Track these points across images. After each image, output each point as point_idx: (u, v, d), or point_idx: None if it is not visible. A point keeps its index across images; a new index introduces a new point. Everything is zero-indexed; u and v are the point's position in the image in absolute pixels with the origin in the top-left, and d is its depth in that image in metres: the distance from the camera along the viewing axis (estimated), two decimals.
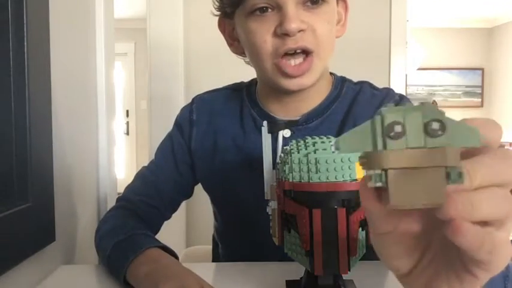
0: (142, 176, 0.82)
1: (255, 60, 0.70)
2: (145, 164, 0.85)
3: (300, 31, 0.64)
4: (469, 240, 0.25)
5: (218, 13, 0.75)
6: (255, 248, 0.74)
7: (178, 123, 0.83)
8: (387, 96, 0.75)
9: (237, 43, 0.75)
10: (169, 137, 0.83)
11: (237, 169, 0.76)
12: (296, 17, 0.63)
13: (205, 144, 0.79)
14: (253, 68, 0.76)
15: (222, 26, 0.76)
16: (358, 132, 0.27)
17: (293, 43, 0.64)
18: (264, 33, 0.65)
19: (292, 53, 0.65)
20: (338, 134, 0.73)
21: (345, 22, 0.74)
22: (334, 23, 0.70)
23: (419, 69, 4.53)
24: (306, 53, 0.66)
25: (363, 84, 0.79)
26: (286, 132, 0.72)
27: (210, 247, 0.98)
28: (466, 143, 0.26)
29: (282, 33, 0.64)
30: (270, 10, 0.65)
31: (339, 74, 0.80)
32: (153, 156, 0.84)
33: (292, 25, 0.62)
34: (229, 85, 0.85)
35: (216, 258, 0.90)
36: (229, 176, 0.77)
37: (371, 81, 0.80)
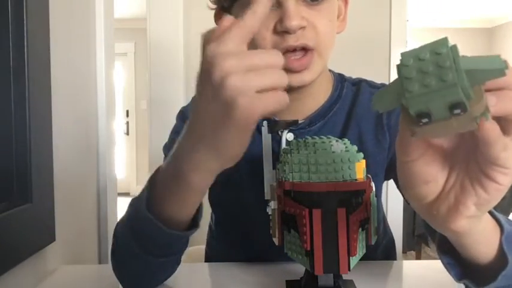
0: None
1: None
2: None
3: (300, 28, 0.62)
4: (487, 131, 0.31)
5: (214, 6, 0.74)
6: (255, 248, 0.74)
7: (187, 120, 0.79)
8: None
9: None
10: (177, 134, 0.76)
11: (241, 168, 0.75)
12: (297, 13, 0.61)
13: None
14: None
15: (218, 19, 0.74)
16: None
17: (294, 40, 0.63)
18: (263, 30, 0.63)
19: (292, 51, 0.64)
20: (341, 136, 0.72)
21: (345, 17, 0.73)
22: (335, 19, 0.69)
23: None
24: (306, 50, 0.64)
25: (360, 83, 0.78)
26: (290, 136, 0.72)
27: None
28: (492, 67, 0.29)
29: (282, 31, 0.62)
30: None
31: None
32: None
33: (293, 22, 0.61)
34: None
35: (208, 258, 0.89)
36: (234, 174, 0.76)
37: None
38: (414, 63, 0.30)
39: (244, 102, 0.37)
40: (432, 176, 0.37)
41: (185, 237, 0.55)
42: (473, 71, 0.29)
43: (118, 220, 0.62)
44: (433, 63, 0.29)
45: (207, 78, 0.38)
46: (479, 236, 0.43)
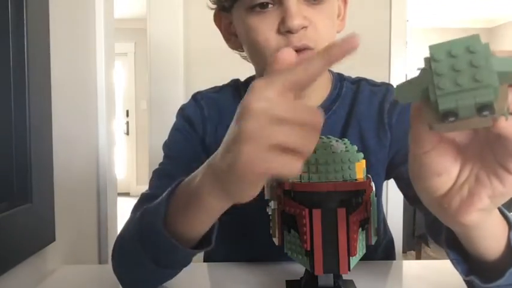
0: (158, 174, 0.75)
1: (256, 57, 0.68)
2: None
3: (302, 28, 0.62)
4: (507, 128, 0.30)
5: (214, 6, 0.73)
6: (255, 248, 0.74)
7: (187, 118, 0.78)
8: (387, 92, 0.75)
9: (234, 38, 0.73)
10: (177, 131, 0.78)
11: None
12: (299, 13, 0.61)
13: (219, 142, 0.77)
14: (251, 64, 0.74)
15: (218, 20, 0.74)
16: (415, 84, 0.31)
17: (297, 40, 0.63)
18: (266, 31, 0.64)
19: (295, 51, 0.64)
20: (342, 135, 0.72)
21: (344, 16, 0.73)
22: (335, 19, 0.69)
23: (419, 69, 4.53)
24: (307, 50, 0.64)
25: (360, 82, 0.78)
26: None
27: None
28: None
29: (285, 31, 0.62)
30: (270, 6, 0.63)
31: None
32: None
33: (295, 22, 0.61)
34: (227, 84, 0.83)
35: (207, 258, 0.89)
36: None
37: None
38: (446, 59, 0.29)
39: (248, 153, 0.34)
40: (444, 168, 0.36)
41: (198, 253, 0.54)
42: (505, 72, 0.28)
43: (124, 226, 0.61)
44: (467, 61, 0.28)
45: (240, 105, 0.36)
46: (488, 231, 0.43)
